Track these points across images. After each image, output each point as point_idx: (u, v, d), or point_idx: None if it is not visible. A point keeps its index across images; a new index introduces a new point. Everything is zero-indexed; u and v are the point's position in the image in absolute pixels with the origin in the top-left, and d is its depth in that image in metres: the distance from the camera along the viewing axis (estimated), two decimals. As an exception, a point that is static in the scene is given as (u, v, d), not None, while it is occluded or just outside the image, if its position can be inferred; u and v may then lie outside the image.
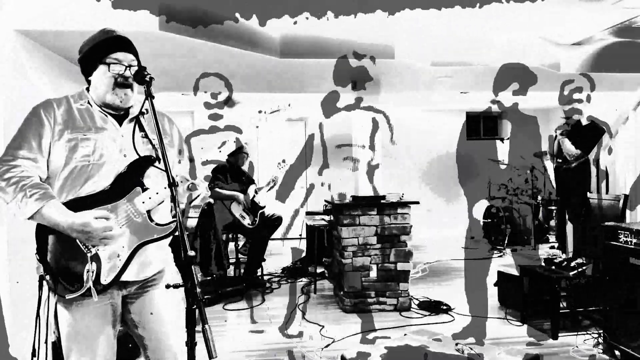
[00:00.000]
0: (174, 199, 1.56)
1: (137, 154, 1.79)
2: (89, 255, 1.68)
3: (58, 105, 1.80)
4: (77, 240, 1.68)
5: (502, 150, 8.97)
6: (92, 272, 1.68)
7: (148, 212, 1.78)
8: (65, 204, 1.70)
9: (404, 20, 4.48)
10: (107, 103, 1.81)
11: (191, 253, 1.48)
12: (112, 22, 3.02)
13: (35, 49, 3.37)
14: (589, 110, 4.77)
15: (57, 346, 1.76)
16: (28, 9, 3.09)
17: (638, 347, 3.08)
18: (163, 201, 1.81)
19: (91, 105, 1.83)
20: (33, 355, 1.79)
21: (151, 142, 1.83)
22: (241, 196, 5.37)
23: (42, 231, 1.71)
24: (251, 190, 5.50)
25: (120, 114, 1.85)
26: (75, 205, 1.70)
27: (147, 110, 1.84)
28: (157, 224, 1.78)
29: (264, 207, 5.61)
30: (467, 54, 5.06)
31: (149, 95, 1.70)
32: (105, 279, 1.70)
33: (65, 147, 1.74)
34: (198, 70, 4.85)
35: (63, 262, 1.70)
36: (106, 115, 1.82)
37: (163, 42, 3.56)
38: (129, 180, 1.78)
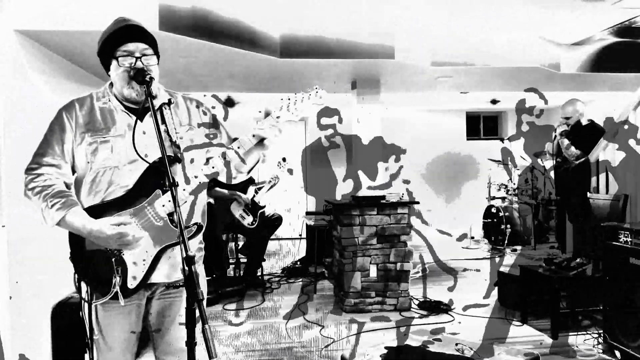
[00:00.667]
0: (174, 200, 1.53)
1: (137, 153, 1.69)
2: (114, 260, 1.69)
3: (81, 107, 1.77)
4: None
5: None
6: (119, 277, 1.69)
7: (170, 214, 1.73)
8: (89, 209, 1.70)
9: (404, 20, 4.49)
10: (126, 97, 1.77)
11: (191, 253, 1.47)
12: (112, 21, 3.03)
13: (35, 49, 3.37)
14: (589, 112, 4.77)
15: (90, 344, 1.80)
16: (28, 9, 3.09)
17: (638, 347, 3.08)
18: (185, 202, 1.75)
19: (112, 102, 1.79)
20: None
21: (170, 138, 1.71)
22: (242, 196, 5.36)
23: (75, 235, 1.72)
24: (251, 190, 5.50)
25: (142, 108, 1.76)
26: (99, 210, 1.70)
27: (170, 100, 1.77)
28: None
29: (264, 207, 5.61)
30: (467, 54, 5.06)
31: (149, 95, 1.65)
32: (131, 284, 1.71)
33: (87, 151, 1.72)
34: (198, 70, 4.85)
35: (94, 267, 1.71)
36: (127, 112, 1.77)
37: (163, 42, 3.54)
38: (150, 182, 1.73)
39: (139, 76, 1.69)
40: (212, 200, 5.31)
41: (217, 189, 5.24)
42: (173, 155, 1.73)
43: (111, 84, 1.82)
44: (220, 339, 3.88)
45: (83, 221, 1.67)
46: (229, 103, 7.61)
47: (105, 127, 1.75)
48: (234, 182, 1.90)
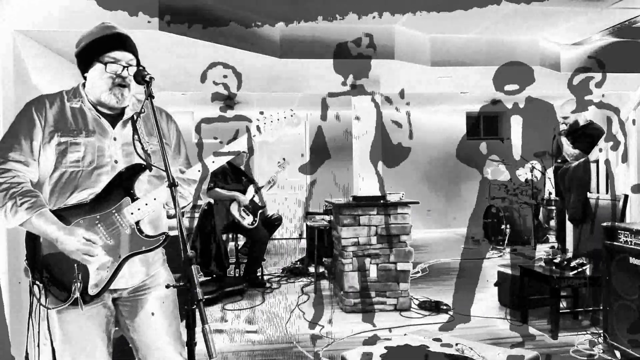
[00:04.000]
0: (174, 200, 1.53)
1: (138, 154, 1.72)
2: (76, 265, 1.65)
3: (51, 104, 1.74)
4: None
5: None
6: (80, 282, 1.65)
7: (137, 223, 1.72)
8: (54, 212, 1.67)
9: (404, 20, 4.48)
10: (102, 102, 1.75)
11: (191, 253, 1.47)
12: (112, 21, 3.03)
13: (35, 49, 3.37)
14: (589, 112, 4.76)
15: (51, 349, 1.76)
16: (28, 9, 3.09)
17: (638, 347, 3.08)
18: (154, 211, 1.74)
19: (85, 105, 1.76)
20: (27, 358, 1.79)
21: (142, 146, 1.73)
22: (241, 196, 5.37)
23: (32, 238, 1.68)
24: (251, 190, 5.50)
25: (114, 114, 1.78)
26: (64, 214, 1.67)
27: (143, 110, 1.77)
28: (146, 236, 1.73)
29: (264, 207, 5.62)
30: (467, 54, 5.06)
31: (149, 96, 1.65)
32: (92, 290, 1.68)
33: (55, 151, 1.69)
34: (198, 71, 4.85)
35: (52, 271, 1.67)
36: (99, 117, 1.76)
37: (163, 42, 3.57)
38: (119, 189, 1.71)
39: (138, 76, 1.69)
40: (212, 200, 5.32)
41: (217, 189, 5.25)
42: (145, 163, 1.73)
43: (83, 85, 1.80)
44: (220, 339, 3.88)
45: (52, 226, 1.63)
46: (228, 103, 7.61)
47: (76, 128, 1.72)
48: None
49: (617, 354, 3.26)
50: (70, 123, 1.73)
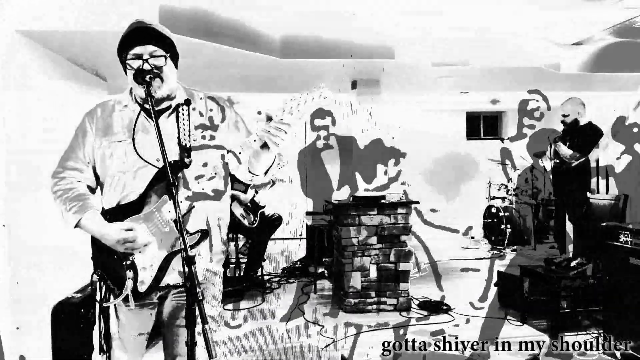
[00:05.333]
0: (174, 200, 1.54)
1: (137, 154, 1.70)
2: (124, 263, 1.70)
3: (102, 111, 1.81)
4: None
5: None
6: (131, 280, 1.70)
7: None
8: (107, 212, 1.74)
9: (404, 20, 4.49)
10: (142, 98, 1.75)
11: (191, 253, 1.47)
12: (112, 22, 3.03)
13: (35, 49, 3.37)
14: (589, 112, 4.77)
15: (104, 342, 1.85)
16: (28, 9, 3.09)
17: (638, 347, 3.08)
18: (194, 207, 1.73)
19: (130, 106, 1.80)
20: (103, 350, 1.85)
21: (180, 142, 1.73)
22: (242, 196, 5.36)
23: (95, 238, 1.74)
24: (251, 190, 5.49)
25: (160, 109, 1.78)
26: (113, 214, 1.73)
27: (187, 100, 1.79)
28: (185, 233, 1.71)
29: (264, 206, 5.61)
30: (467, 54, 5.06)
31: (149, 96, 1.66)
32: (141, 288, 1.72)
33: (105, 155, 1.76)
34: (198, 70, 4.85)
35: (108, 267, 1.74)
36: (146, 117, 1.76)
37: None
38: (160, 187, 1.72)
39: (138, 76, 1.69)
40: (212, 200, 5.31)
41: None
42: (180, 160, 1.73)
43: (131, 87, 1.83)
44: (219, 339, 3.88)
45: (96, 225, 1.70)
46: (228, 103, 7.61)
47: (121, 131, 1.77)
48: (250, 183, 1.91)
49: (617, 354, 3.26)
50: (116, 126, 1.78)
